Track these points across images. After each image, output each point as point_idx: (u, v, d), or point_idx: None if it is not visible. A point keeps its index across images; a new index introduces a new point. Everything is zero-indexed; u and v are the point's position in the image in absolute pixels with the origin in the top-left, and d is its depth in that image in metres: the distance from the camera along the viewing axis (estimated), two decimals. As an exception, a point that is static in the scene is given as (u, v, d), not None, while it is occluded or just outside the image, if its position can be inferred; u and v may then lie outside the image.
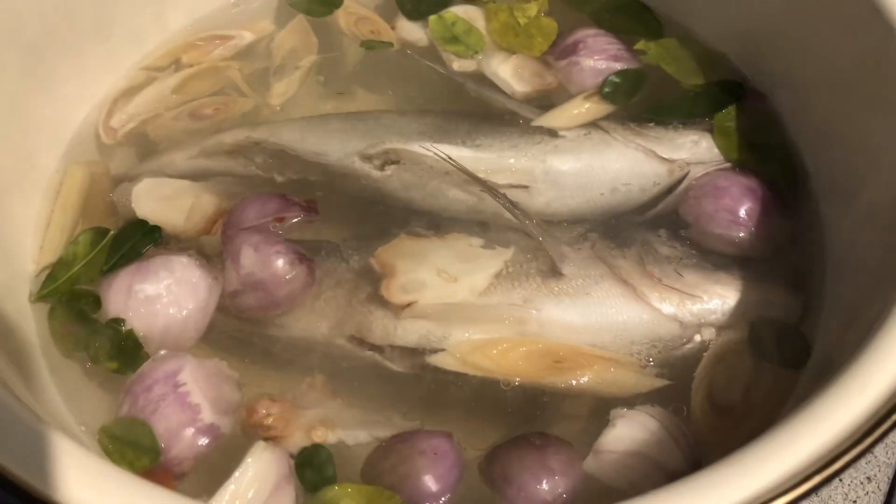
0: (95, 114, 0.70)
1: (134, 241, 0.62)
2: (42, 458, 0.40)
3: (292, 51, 0.75)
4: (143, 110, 0.70)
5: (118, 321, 0.56)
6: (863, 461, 0.67)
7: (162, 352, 0.56)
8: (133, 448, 0.51)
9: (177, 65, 0.74)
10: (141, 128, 0.70)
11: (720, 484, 0.36)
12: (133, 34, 0.72)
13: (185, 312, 0.57)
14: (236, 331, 0.61)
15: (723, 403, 0.55)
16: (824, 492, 0.66)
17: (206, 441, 0.53)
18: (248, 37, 0.75)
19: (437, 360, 0.56)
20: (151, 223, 0.62)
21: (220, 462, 0.53)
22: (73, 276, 0.60)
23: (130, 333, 0.56)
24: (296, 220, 0.62)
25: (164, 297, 0.57)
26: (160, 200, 0.64)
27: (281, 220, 0.61)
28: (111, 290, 0.58)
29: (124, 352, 0.56)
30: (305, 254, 0.60)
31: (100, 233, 0.62)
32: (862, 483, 0.66)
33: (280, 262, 0.58)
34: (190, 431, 0.52)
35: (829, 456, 0.35)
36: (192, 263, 0.59)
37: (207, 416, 0.53)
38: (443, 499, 0.50)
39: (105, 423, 0.53)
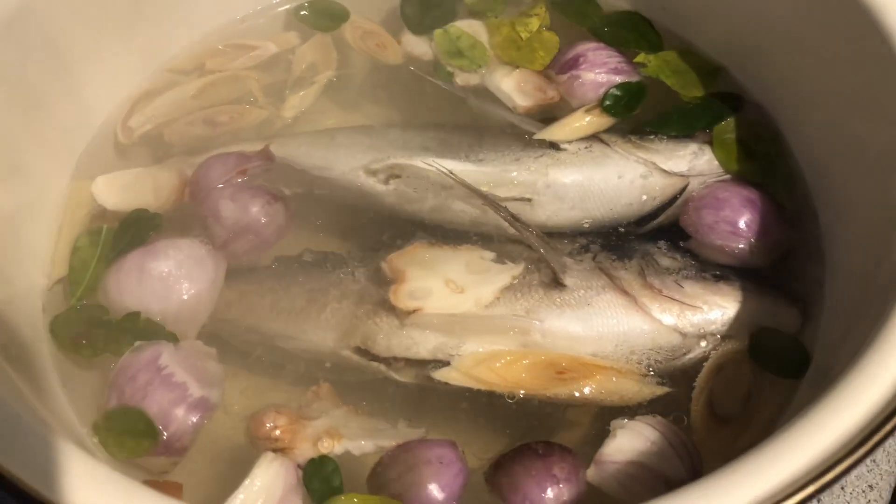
0: (113, 118, 0.72)
1: (137, 228, 0.64)
2: (51, 467, 0.41)
3: (311, 65, 0.76)
4: (161, 113, 0.72)
5: (134, 315, 0.58)
6: (864, 469, 0.67)
7: (137, 343, 0.57)
8: (131, 435, 0.53)
9: (200, 70, 0.76)
10: (157, 130, 0.72)
11: (717, 493, 0.37)
12: (136, 50, 0.74)
13: (197, 287, 0.60)
14: (242, 342, 0.62)
15: (723, 413, 0.56)
16: (826, 500, 0.66)
17: (200, 413, 0.55)
18: (272, 48, 0.77)
19: (441, 375, 0.57)
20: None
21: (228, 473, 0.54)
22: (94, 274, 0.62)
23: (148, 321, 0.58)
24: (257, 168, 0.66)
25: (175, 273, 0.59)
26: (122, 190, 0.67)
27: (244, 172, 0.65)
28: (122, 274, 0.59)
29: (146, 335, 0.57)
30: (276, 193, 0.65)
31: (94, 232, 0.64)
32: (864, 491, 0.66)
33: (258, 204, 0.63)
34: (182, 408, 0.54)
35: (823, 466, 0.36)
36: (197, 242, 0.62)
37: (195, 390, 0.55)
38: (448, 507, 0.51)
39: (96, 419, 0.54)
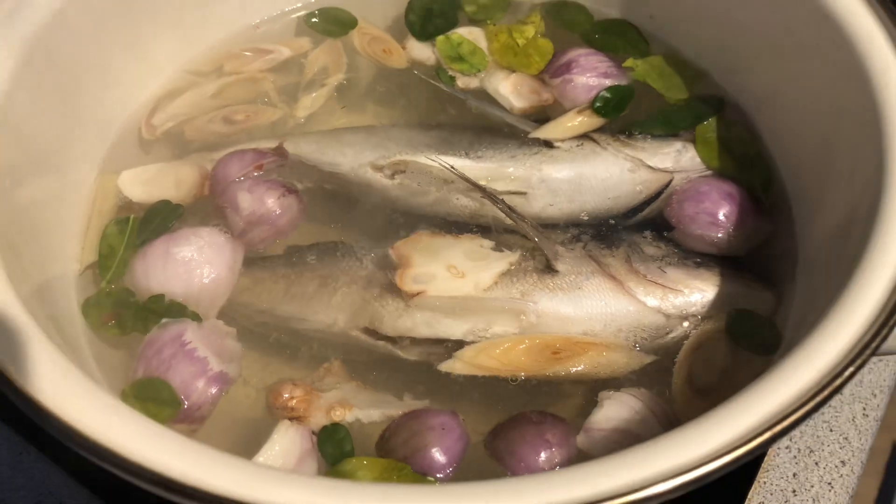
0: (138, 116, 0.75)
1: (162, 217, 0.68)
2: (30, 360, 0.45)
3: (323, 68, 0.79)
4: (182, 111, 0.75)
5: (159, 297, 0.61)
6: (837, 447, 0.71)
7: (164, 320, 0.60)
8: (155, 403, 0.56)
9: (219, 71, 0.79)
10: (179, 127, 0.75)
11: (686, 441, 0.42)
12: (159, 54, 0.77)
13: (217, 272, 0.63)
14: (258, 324, 0.65)
15: (701, 386, 0.59)
16: (802, 474, 0.70)
17: (219, 386, 0.58)
18: (285, 52, 0.80)
19: (445, 366, 0.59)
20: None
21: (249, 439, 0.57)
22: (122, 259, 0.65)
23: (173, 303, 0.61)
24: (272, 164, 0.70)
25: (197, 258, 0.63)
26: (146, 184, 0.70)
27: (260, 167, 0.69)
28: (148, 258, 0.63)
29: (171, 315, 0.61)
30: (290, 186, 0.69)
31: (122, 220, 0.68)
32: (837, 466, 0.69)
33: (273, 196, 0.67)
34: (202, 381, 0.57)
35: (780, 415, 0.41)
36: (216, 231, 0.65)
37: (215, 365, 0.58)
38: (449, 469, 0.54)
39: (125, 387, 0.57)
